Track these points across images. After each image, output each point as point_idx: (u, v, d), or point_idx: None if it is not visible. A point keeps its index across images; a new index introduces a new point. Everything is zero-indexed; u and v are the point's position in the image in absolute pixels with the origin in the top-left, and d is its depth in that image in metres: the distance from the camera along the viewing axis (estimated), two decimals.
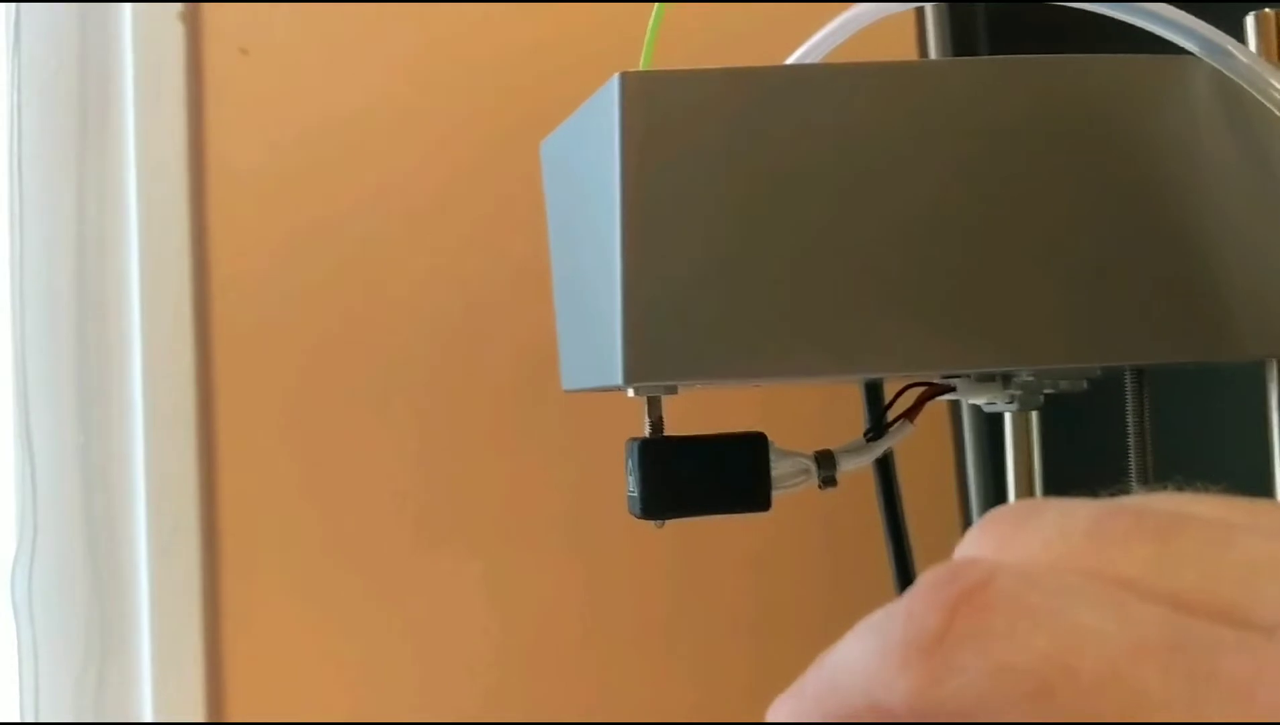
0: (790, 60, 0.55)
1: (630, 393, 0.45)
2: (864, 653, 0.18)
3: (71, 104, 1.14)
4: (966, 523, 1.02)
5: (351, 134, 1.16)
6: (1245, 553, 0.17)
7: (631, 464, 0.47)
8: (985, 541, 0.19)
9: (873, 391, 0.58)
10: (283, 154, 1.15)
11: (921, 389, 0.53)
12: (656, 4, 0.48)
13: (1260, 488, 0.49)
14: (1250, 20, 0.48)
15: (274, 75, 1.16)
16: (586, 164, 0.46)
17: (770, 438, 0.48)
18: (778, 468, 0.48)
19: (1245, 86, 0.44)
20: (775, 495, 0.48)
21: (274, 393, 1.14)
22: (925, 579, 0.18)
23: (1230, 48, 0.45)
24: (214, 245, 1.14)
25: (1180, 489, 0.20)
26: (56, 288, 1.13)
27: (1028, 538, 0.19)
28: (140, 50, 1.13)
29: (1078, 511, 0.19)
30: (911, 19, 0.90)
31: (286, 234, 1.15)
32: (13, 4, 1.13)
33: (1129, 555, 0.18)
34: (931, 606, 0.17)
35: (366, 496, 1.15)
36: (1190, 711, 0.15)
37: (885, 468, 0.61)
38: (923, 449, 1.10)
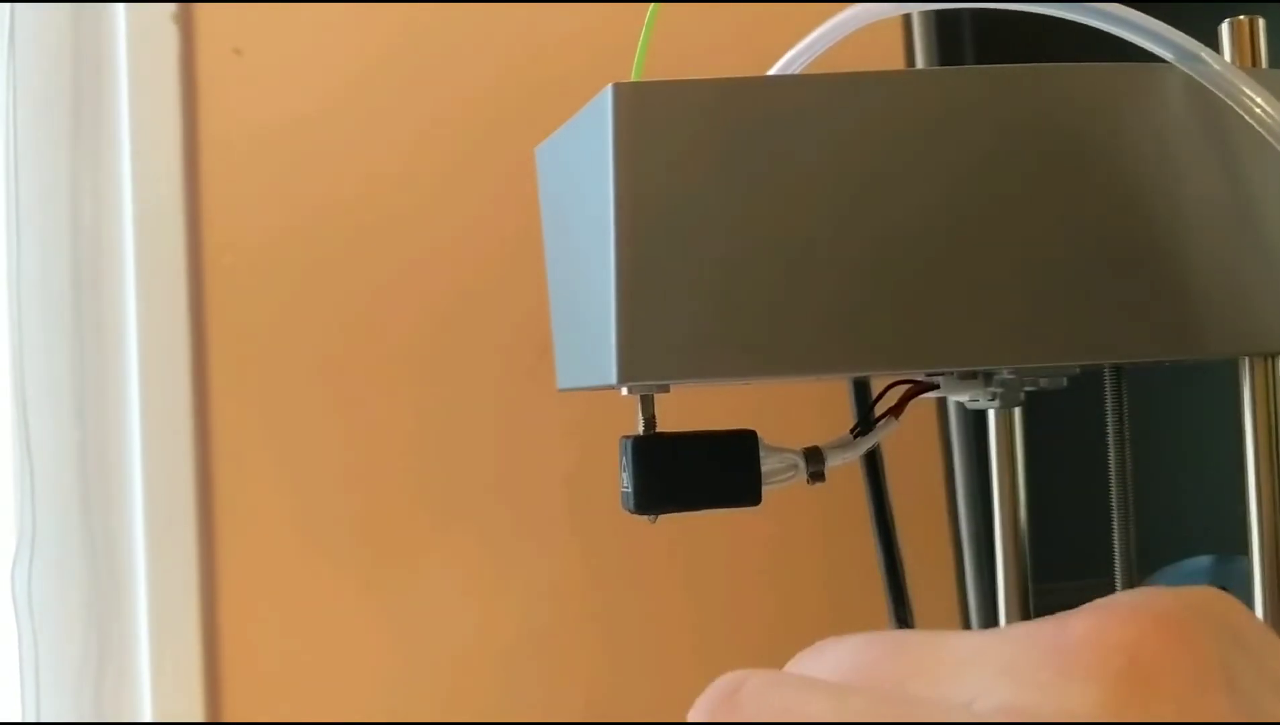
0: (781, 62, 0.56)
1: (624, 392, 0.47)
2: None
3: (65, 104, 1.15)
4: (954, 516, 1.04)
5: (343, 132, 1.17)
6: (953, 652, 0.24)
7: (626, 461, 0.48)
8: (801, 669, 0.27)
9: (860, 389, 0.60)
10: (275, 152, 1.16)
11: (906, 387, 0.54)
12: (651, 4, 0.49)
13: (1235, 481, 0.51)
14: (1225, 27, 0.50)
15: (268, 75, 1.17)
16: (581, 171, 0.47)
17: (760, 435, 0.50)
18: (767, 463, 0.50)
19: (1218, 94, 0.46)
20: (765, 490, 0.49)
21: (271, 387, 1.16)
22: (703, 693, 0.25)
23: (1203, 55, 0.47)
24: (208, 243, 1.15)
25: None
26: (53, 286, 1.14)
27: (820, 665, 0.26)
28: (134, 50, 1.13)
29: (849, 641, 0.26)
30: (899, 23, 0.91)
31: (280, 231, 1.16)
32: (6, 4, 1.14)
33: (875, 665, 0.25)
34: (699, 715, 0.25)
35: (363, 489, 1.16)
36: None
37: (873, 463, 0.63)
38: (912, 446, 1.11)
